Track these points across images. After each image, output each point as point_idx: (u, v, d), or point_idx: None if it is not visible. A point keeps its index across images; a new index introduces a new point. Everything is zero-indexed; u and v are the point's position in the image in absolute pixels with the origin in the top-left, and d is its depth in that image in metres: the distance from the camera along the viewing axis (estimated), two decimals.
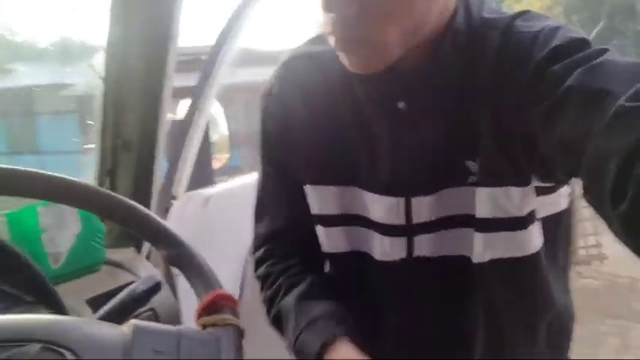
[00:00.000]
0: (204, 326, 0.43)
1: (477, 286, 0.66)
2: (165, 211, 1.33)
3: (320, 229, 0.72)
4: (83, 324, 0.36)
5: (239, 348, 0.41)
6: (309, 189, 0.71)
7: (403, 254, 0.67)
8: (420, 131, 0.63)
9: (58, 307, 0.57)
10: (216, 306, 0.44)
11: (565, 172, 0.55)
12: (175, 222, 1.30)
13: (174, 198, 1.36)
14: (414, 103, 0.62)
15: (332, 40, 0.57)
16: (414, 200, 0.64)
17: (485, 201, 0.62)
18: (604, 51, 0.51)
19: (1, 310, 0.52)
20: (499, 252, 0.64)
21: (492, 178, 0.61)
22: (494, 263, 0.64)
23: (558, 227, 0.68)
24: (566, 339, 0.75)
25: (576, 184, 0.58)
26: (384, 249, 0.67)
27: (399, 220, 0.65)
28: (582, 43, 0.53)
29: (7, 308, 0.53)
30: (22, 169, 0.48)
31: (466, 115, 0.61)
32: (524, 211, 0.63)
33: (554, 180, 0.61)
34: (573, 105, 0.48)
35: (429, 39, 0.59)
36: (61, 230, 0.87)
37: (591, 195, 0.46)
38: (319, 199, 0.70)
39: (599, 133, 0.43)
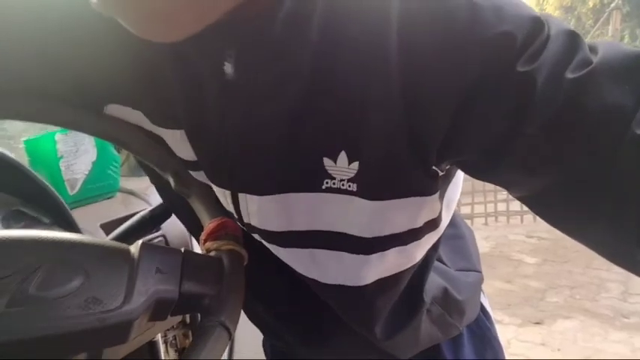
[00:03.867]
0: (208, 251, 0.45)
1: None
2: None
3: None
4: (93, 241, 0.37)
5: (239, 271, 0.43)
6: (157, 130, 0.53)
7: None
8: (254, 109, 0.43)
9: (73, 230, 0.60)
10: (219, 232, 0.46)
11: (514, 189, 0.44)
12: None
13: None
14: (245, 70, 0.42)
15: None
16: (242, 197, 0.48)
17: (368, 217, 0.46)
18: (573, 39, 0.38)
19: (21, 229, 0.55)
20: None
21: (378, 190, 0.44)
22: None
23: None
24: (457, 312, 0.66)
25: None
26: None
27: (233, 212, 0.50)
28: (539, 26, 0.38)
29: (26, 228, 0.55)
30: (47, 99, 0.50)
31: (332, 96, 0.41)
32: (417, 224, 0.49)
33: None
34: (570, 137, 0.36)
35: None
36: (78, 158, 0.89)
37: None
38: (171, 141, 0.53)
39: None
